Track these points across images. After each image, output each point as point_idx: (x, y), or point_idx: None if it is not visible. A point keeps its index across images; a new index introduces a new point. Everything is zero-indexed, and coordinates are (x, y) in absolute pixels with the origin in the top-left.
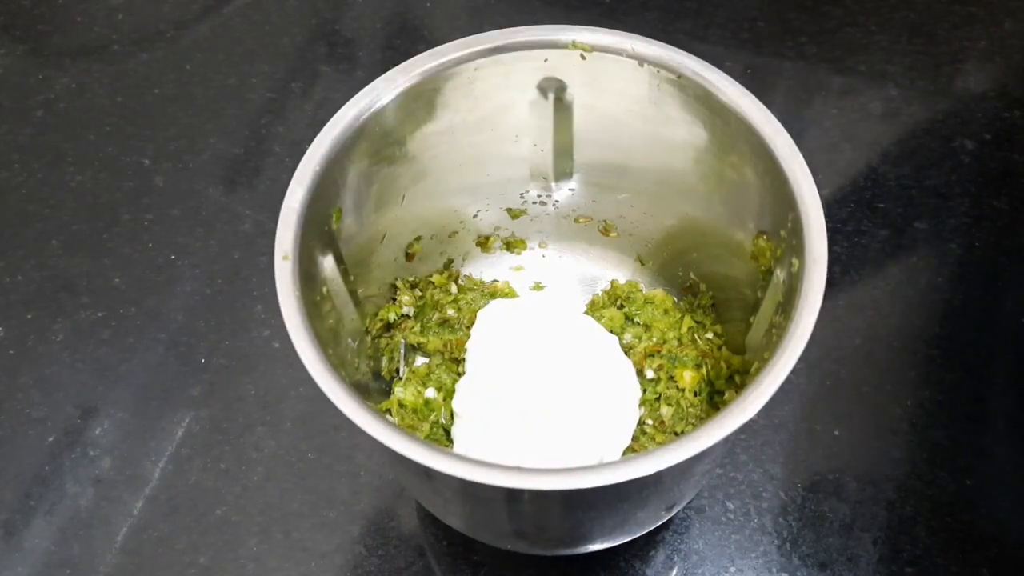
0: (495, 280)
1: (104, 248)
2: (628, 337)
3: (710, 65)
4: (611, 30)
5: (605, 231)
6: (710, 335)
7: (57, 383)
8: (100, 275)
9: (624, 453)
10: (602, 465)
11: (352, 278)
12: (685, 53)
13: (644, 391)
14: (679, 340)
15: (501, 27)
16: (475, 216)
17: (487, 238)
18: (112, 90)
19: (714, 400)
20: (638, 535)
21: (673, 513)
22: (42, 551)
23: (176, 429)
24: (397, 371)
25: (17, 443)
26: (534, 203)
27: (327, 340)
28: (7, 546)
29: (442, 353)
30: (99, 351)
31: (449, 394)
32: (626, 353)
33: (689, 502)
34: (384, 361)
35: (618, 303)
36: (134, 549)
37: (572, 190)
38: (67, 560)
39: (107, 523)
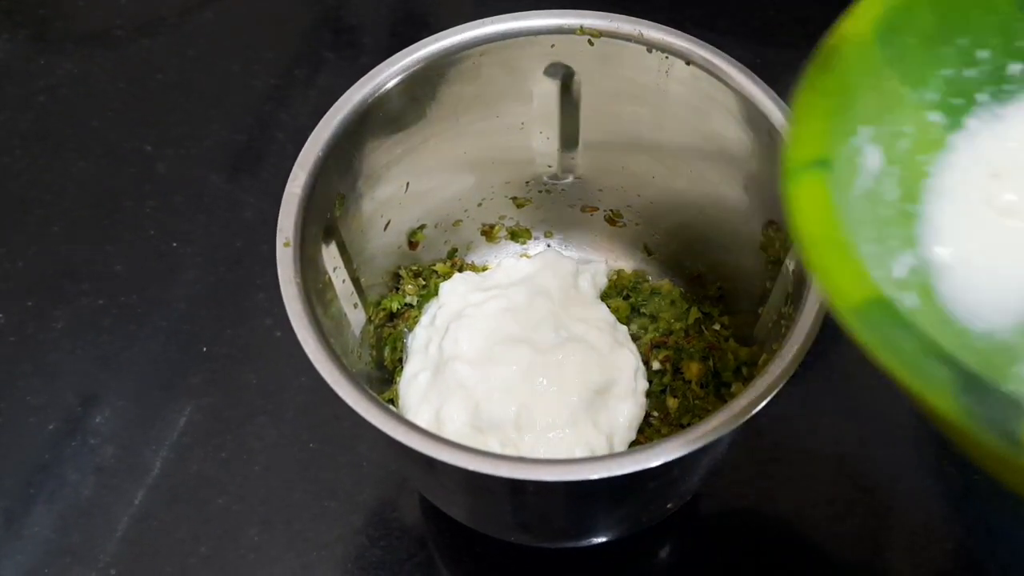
0: None
1: (105, 235)
2: (634, 328)
3: (721, 52)
4: (620, 15)
5: (611, 220)
6: (717, 326)
7: (57, 371)
8: (101, 262)
9: (630, 446)
10: (607, 456)
11: (355, 266)
12: (695, 39)
13: (650, 383)
14: (686, 331)
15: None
16: (480, 205)
17: (492, 227)
18: (114, 76)
19: (721, 392)
20: (643, 528)
21: (678, 507)
22: (42, 539)
23: (177, 418)
24: (400, 361)
25: (17, 431)
26: (540, 192)
27: (329, 329)
28: (7, 534)
29: None
30: (100, 339)
31: None
32: None
33: (695, 495)
34: (387, 351)
35: (624, 293)
36: (134, 538)
37: (578, 179)
38: (67, 548)
39: (107, 512)
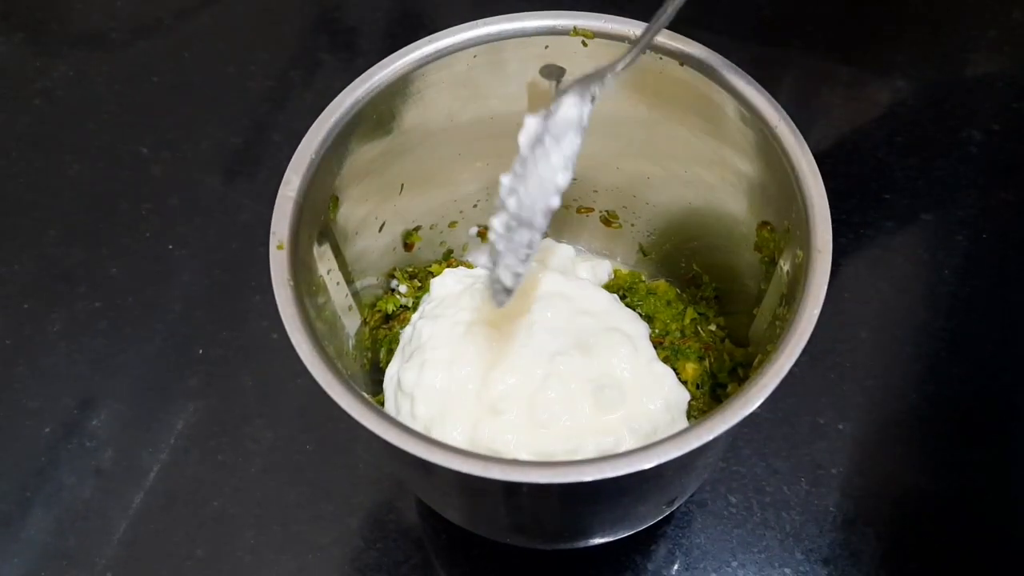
0: None
1: (102, 238)
2: None
3: (714, 53)
4: (614, 16)
5: (607, 221)
6: (713, 327)
7: (54, 374)
8: (98, 265)
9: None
10: (601, 458)
11: (349, 268)
12: (689, 40)
13: None
14: (682, 332)
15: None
16: (475, 206)
17: (488, 228)
18: (110, 79)
19: (716, 393)
20: (639, 529)
21: (675, 507)
22: (39, 542)
23: (174, 421)
24: None
25: (14, 434)
26: None
27: (323, 331)
28: (4, 537)
29: None
30: (96, 342)
31: None
32: None
33: (691, 496)
34: (382, 353)
35: (620, 293)
36: (131, 541)
37: (574, 180)
38: (64, 552)
39: (104, 515)
